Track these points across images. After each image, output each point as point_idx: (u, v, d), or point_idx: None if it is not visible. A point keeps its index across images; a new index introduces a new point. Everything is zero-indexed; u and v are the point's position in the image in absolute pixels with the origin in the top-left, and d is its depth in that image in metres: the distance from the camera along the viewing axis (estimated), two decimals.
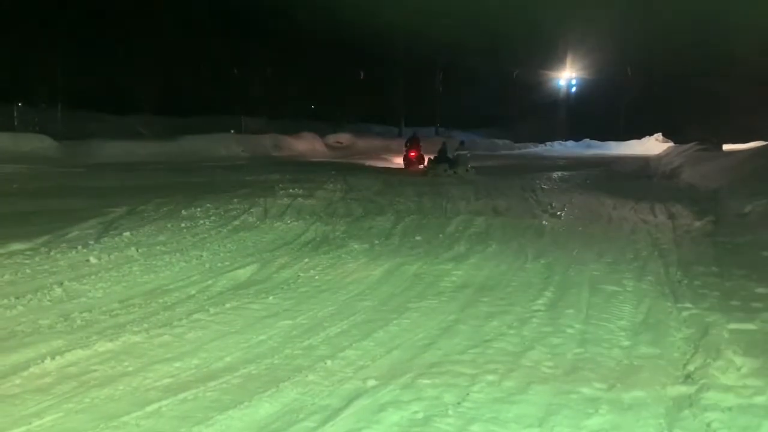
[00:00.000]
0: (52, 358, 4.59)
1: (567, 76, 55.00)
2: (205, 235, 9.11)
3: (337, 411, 3.90)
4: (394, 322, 5.57)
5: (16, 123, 26.07)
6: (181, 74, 36.15)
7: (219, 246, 8.49)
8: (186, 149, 27.21)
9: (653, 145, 42.00)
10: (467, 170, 20.90)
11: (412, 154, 24.06)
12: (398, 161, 26.02)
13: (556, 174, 22.42)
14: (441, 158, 21.91)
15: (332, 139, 38.19)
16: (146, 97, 35.74)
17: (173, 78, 35.75)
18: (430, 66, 49.97)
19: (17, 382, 4.25)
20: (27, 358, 4.63)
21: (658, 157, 31.78)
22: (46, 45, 29.50)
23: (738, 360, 4.70)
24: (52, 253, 7.69)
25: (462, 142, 23.28)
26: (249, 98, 40.46)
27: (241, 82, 41.61)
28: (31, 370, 4.42)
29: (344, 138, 38.90)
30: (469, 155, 22.31)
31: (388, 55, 47.70)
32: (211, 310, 5.78)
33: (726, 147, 28.52)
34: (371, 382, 4.28)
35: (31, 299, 5.95)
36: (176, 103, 36.36)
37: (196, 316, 5.63)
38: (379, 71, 48.41)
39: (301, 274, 7.17)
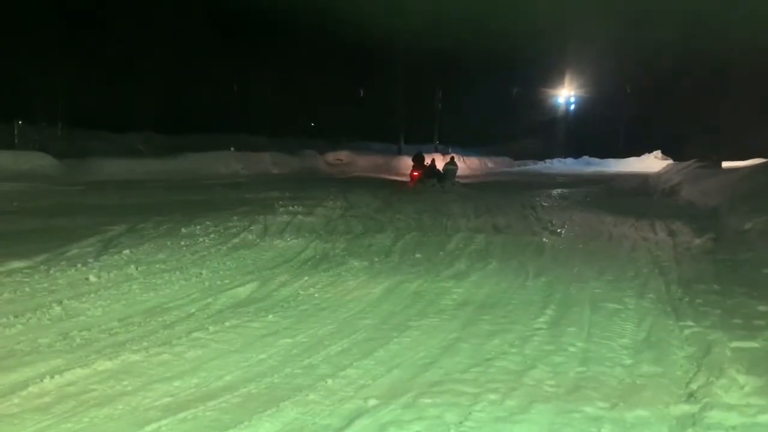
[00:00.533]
0: (51, 377, 4.57)
1: (566, 94, 55.24)
2: (205, 253, 9.09)
3: (338, 431, 3.88)
4: (395, 340, 5.54)
5: (16, 141, 26.11)
6: (181, 92, 36.27)
7: (218, 264, 8.47)
8: (186, 167, 27.23)
9: (652, 163, 42.10)
10: (453, 184, 22.88)
11: (415, 173, 25.03)
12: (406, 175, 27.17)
13: (556, 191, 22.45)
14: (430, 173, 23.71)
15: (332, 156, 38.24)
16: (146, 115, 35.83)
17: (173, 96, 35.86)
18: (429, 84, 50.15)
19: (16, 401, 4.23)
20: (26, 377, 4.60)
21: (658, 175, 31.82)
22: (47, 63, 29.62)
23: (741, 378, 4.68)
24: (51, 272, 7.67)
25: (452, 158, 25.41)
26: (249, 116, 40.59)
27: (241, 100, 41.77)
28: (30, 389, 4.40)
29: (344, 155, 38.96)
30: (456, 170, 24.30)
31: (388, 73, 47.93)
32: (211, 329, 5.75)
33: (725, 164, 28.56)
34: (372, 402, 4.25)
35: (30, 318, 5.92)
36: (176, 120, 36.45)
37: (195, 334, 5.60)
38: (378, 89, 48.59)
39: (301, 292, 7.15)
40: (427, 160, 25.62)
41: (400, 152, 45.53)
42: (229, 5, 39.23)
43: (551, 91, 55.07)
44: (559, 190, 22.80)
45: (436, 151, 41.90)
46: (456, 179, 23.91)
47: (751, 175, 17.66)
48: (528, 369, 4.89)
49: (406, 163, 36.84)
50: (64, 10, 30.57)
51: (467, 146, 49.88)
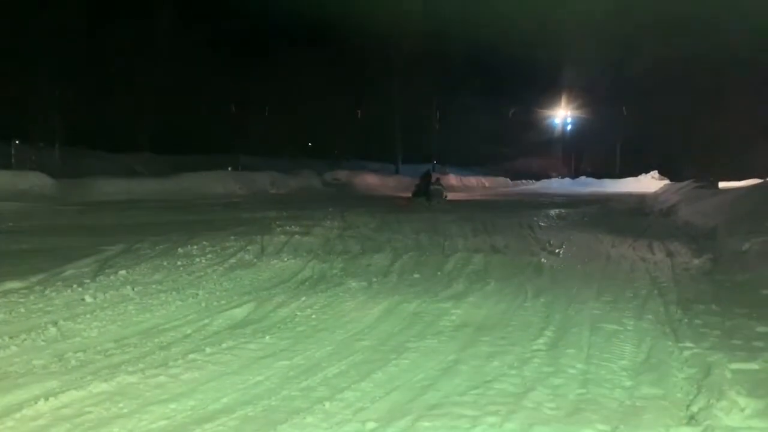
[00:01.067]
0: (46, 400, 4.51)
1: (563, 115, 55.53)
2: (202, 274, 9.06)
3: None
4: (393, 362, 5.49)
5: (13, 161, 26.13)
6: (179, 112, 36.38)
7: (215, 284, 8.44)
8: (183, 187, 27.25)
9: (649, 183, 42.26)
10: (439, 202, 25.84)
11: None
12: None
13: (554, 211, 22.46)
14: (419, 192, 26.96)
15: (329, 176, 38.33)
16: (143, 135, 35.93)
17: (171, 116, 35.97)
18: (427, 104, 50.40)
19: (10, 424, 4.17)
20: (20, 399, 4.55)
21: (655, 195, 31.92)
22: (44, 83, 29.73)
23: (742, 401, 4.64)
24: (47, 292, 7.63)
25: (438, 179, 28.75)
26: (246, 136, 40.72)
27: (238, 120, 41.92)
28: (24, 411, 4.34)
29: (342, 175, 39.06)
30: (442, 191, 27.33)
31: (386, 93, 48.16)
32: (208, 350, 5.70)
33: (722, 184, 28.66)
34: (371, 425, 4.20)
35: (25, 339, 5.87)
36: (173, 141, 36.56)
37: (192, 356, 5.55)
38: (376, 109, 48.83)
39: (299, 313, 7.10)
40: (433, 178, 28.70)
41: (397, 172, 45.66)
42: (227, 26, 39.49)
43: (549, 112, 55.41)
44: (557, 210, 22.81)
45: (434, 171, 42.10)
46: (443, 198, 26.88)
47: (749, 195, 17.69)
48: (527, 391, 4.84)
49: (404, 182, 37.09)
50: (62, 30, 30.70)
51: (465, 166, 50.06)
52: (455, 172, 46.20)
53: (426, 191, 26.96)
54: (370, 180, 40.02)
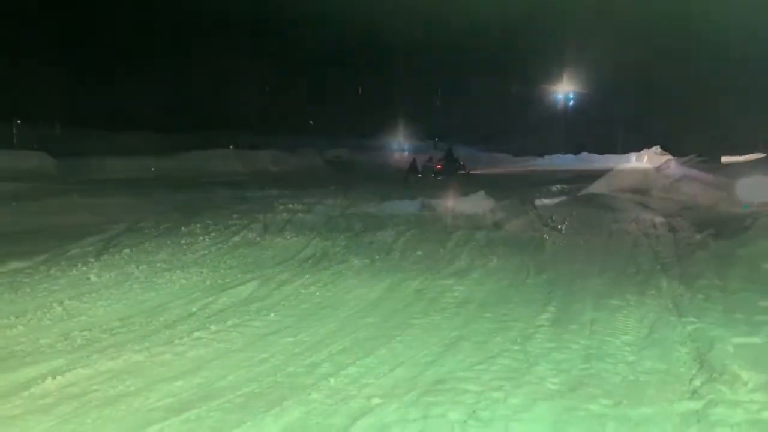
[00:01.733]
0: (53, 378, 4.55)
1: (565, 91, 55.24)
2: (205, 252, 9.08)
3: (342, 430, 3.86)
4: (397, 338, 5.52)
5: (15, 140, 26.10)
6: (180, 91, 36.26)
7: (219, 262, 8.46)
8: (185, 165, 27.24)
9: (652, 158, 42.01)
10: (431, 177, 28.29)
11: (438, 166, 30.46)
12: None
13: (556, 187, 22.42)
14: (412, 170, 29.40)
15: (330, 154, 38.26)
16: (145, 114, 35.83)
17: (173, 95, 35.86)
18: (429, 82, 50.21)
19: (18, 402, 4.21)
20: (28, 377, 4.60)
21: (657, 170, 31.76)
22: (46, 63, 29.62)
23: (744, 375, 4.65)
24: (52, 271, 7.66)
25: (430, 158, 31.49)
26: (248, 115, 40.64)
27: (240, 99, 41.79)
28: (32, 390, 4.39)
29: (342, 153, 39.00)
30: (433, 168, 29.95)
31: (388, 72, 48.01)
32: (213, 328, 5.74)
33: (724, 159, 28.54)
34: (376, 400, 4.23)
35: (31, 318, 5.91)
36: (175, 120, 36.48)
37: (197, 334, 5.58)
38: (377, 87, 48.64)
39: (302, 291, 7.13)
40: (418, 158, 30.67)
41: (399, 150, 45.55)
42: (228, 5, 39.21)
43: (551, 88, 55.12)
44: (559, 186, 22.76)
45: (436, 148, 42.02)
46: (433, 175, 29.16)
47: (751, 170, 17.64)
48: (531, 366, 4.87)
49: (405, 160, 37.20)
50: (63, 10, 30.56)
51: (467, 143, 49.90)
52: (457, 149, 46.07)
53: (416, 169, 29.79)
54: (372, 157, 39.94)
